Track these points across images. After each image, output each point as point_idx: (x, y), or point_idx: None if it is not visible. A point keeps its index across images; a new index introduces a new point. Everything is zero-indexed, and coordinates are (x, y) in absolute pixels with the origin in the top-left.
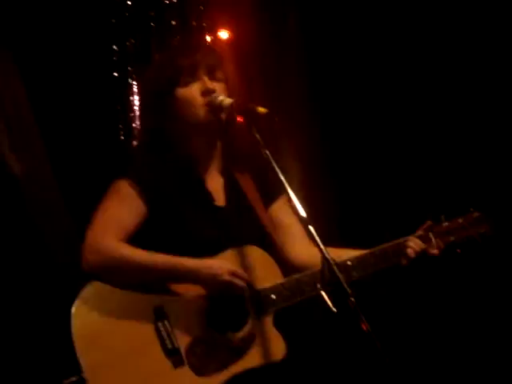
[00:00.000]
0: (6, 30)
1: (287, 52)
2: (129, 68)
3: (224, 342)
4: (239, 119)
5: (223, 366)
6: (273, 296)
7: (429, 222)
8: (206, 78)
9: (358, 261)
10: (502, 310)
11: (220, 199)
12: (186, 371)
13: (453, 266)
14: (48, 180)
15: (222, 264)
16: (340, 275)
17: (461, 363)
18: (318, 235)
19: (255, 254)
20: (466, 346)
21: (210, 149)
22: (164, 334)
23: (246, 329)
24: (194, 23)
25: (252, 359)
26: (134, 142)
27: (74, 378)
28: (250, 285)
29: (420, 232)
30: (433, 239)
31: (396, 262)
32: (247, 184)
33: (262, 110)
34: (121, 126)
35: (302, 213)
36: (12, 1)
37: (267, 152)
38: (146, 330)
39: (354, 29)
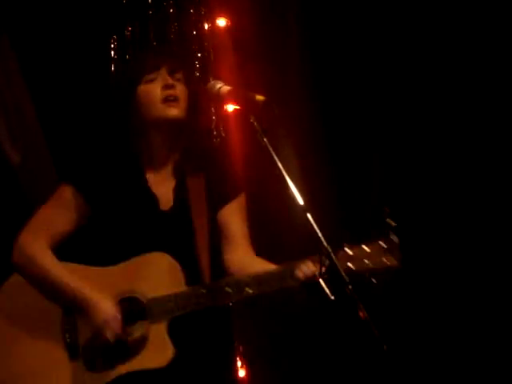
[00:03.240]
0: (5, 17)
1: (286, 39)
2: (127, 56)
3: (118, 343)
4: (237, 107)
5: (112, 364)
6: (170, 303)
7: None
8: (166, 76)
9: (254, 278)
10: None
11: (167, 203)
12: (79, 365)
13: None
14: (47, 171)
15: (107, 309)
16: (337, 263)
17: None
18: (316, 224)
19: (163, 261)
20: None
21: (166, 149)
22: (67, 327)
23: (139, 333)
24: (192, 10)
25: (138, 362)
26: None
27: None
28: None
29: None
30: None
31: (288, 284)
32: (197, 187)
33: (260, 97)
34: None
35: (300, 201)
36: None
37: (265, 140)
38: (54, 323)
39: (357, 14)
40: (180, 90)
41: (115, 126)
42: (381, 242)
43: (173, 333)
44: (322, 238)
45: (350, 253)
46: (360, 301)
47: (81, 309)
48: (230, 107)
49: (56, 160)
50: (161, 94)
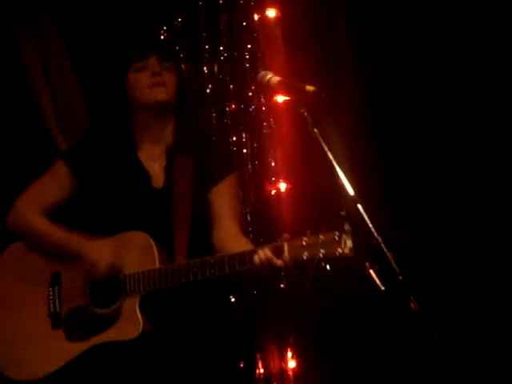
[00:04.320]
0: (58, 18)
1: (336, 29)
2: (177, 47)
3: (95, 316)
4: (286, 97)
5: (88, 335)
6: (142, 280)
7: (286, 235)
8: (155, 64)
9: (216, 260)
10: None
11: (159, 181)
12: (59, 334)
13: None
14: None
15: (102, 253)
16: (389, 254)
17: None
18: (366, 214)
19: (140, 240)
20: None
21: (158, 130)
22: (51, 298)
23: (114, 306)
24: (242, 1)
25: (110, 334)
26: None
27: None
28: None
29: (277, 242)
30: (285, 252)
31: (246, 267)
32: (185, 166)
33: (309, 87)
34: None
35: (350, 191)
36: None
37: (316, 130)
38: (40, 292)
39: (409, 9)
40: (168, 77)
41: (109, 107)
42: (335, 232)
43: (147, 308)
44: (373, 229)
45: (304, 242)
46: (411, 292)
47: (74, 251)
48: (280, 98)
49: None
50: (149, 81)
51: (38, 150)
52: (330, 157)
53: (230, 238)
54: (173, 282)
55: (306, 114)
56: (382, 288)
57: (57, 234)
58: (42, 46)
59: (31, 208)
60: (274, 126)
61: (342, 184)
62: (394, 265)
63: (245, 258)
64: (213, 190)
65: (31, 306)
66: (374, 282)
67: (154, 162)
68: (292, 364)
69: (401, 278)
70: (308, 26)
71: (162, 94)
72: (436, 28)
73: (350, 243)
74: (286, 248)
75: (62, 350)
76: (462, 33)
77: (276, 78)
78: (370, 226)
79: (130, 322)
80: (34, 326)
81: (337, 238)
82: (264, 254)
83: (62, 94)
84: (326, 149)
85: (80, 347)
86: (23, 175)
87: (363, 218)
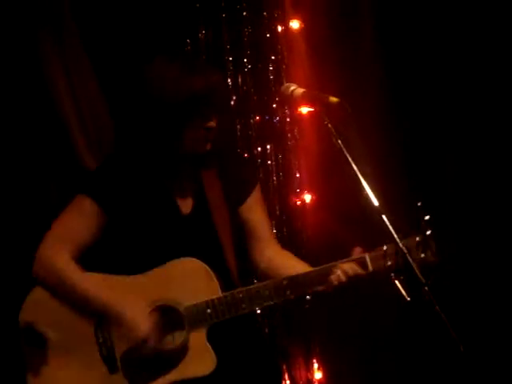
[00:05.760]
0: (83, 29)
1: (360, 41)
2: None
3: (157, 354)
4: (310, 109)
5: (154, 376)
6: (208, 310)
7: (358, 248)
8: (215, 122)
9: (292, 280)
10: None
11: (187, 207)
12: (119, 378)
13: None
14: None
15: (142, 325)
16: (414, 265)
17: None
18: (391, 225)
19: (194, 266)
20: None
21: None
22: (101, 341)
23: (178, 342)
24: (265, 13)
25: (181, 372)
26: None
27: None
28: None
29: (358, 256)
30: (368, 263)
31: (318, 289)
32: (214, 186)
33: (333, 99)
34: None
35: (375, 202)
36: None
37: (339, 141)
38: (87, 336)
39: (431, 14)
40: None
41: (138, 140)
42: (416, 237)
43: (211, 340)
44: (398, 240)
45: (385, 251)
46: (436, 301)
47: (114, 323)
48: (304, 109)
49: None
50: (203, 135)
51: (61, 162)
52: (355, 168)
53: (279, 257)
54: (244, 309)
55: (329, 125)
56: (408, 299)
57: (92, 292)
58: (66, 58)
59: (61, 254)
60: (298, 138)
61: (367, 195)
62: (419, 275)
63: (328, 273)
64: (243, 207)
65: (79, 352)
66: (400, 292)
67: (179, 187)
68: (318, 375)
69: (426, 288)
70: (331, 37)
71: (207, 146)
72: (461, 36)
73: (433, 248)
74: (368, 260)
75: None
76: (483, 39)
77: (300, 90)
78: (396, 236)
79: (203, 357)
80: (89, 374)
81: (418, 244)
82: (351, 268)
83: (87, 108)
84: (350, 160)
85: None
86: (47, 190)
87: (388, 228)
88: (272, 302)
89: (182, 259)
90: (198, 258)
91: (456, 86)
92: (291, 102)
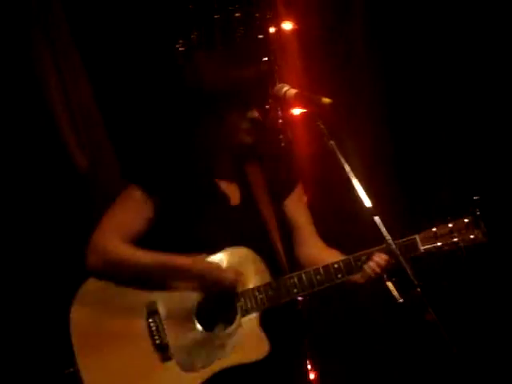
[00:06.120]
0: (74, 28)
1: (353, 42)
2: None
3: (211, 339)
4: (303, 110)
5: (208, 362)
6: (260, 296)
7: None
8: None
9: (341, 264)
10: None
11: (235, 198)
12: (172, 366)
13: None
14: (114, 176)
15: (227, 270)
16: (407, 266)
17: None
18: (384, 226)
19: (246, 254)
20: None
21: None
22: (154, 329)
23: (233, 327)
24: (258, 15)
25: (235, 357)
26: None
27: (71, 369)
28: (237, 283)
29: (408, 238)
30: (419, 244)
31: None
32: (258, 179)
33: (326, 100)
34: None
35: (367, 203)
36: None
37: (332, 143)
38: (138, 325)
39: (423, 14)
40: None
41: (183, 132)
42: (464, 218)
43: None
44: (391, 241)
45: (436, 231)
46: (429, 303)
47: (196, 275)
48: (297, 110)
49: (123, 165)
50: (245, 125)
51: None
52: (347, 169)
53: (318, 250)
54: (297, 294)
55: (322, 126)
56: (400, 300)
57: (157, 257)
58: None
59: (114, 240)
60: (290, 138)
61: (359, 196)
62: (411, 277)
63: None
64: (287, 202)
65: (131, 341)
66: (392, 294)
67: (227, 179)
68: (311, 376)
69: (419, 289)
70: (324, 39)
71: (251, 139)
72: (456, 36)
73: (483, 227)
74: (418, 240)
75: (181, 383)
76: (477, 39)
77: (292, 91)
78: (388, 237)
79: (255, 342)
80: (142, 363)
81: (468, 225)
82: (380, 257)
83: (78, 106)
84: (343, 161)
85: (201, 376)
86: (38, 188)
87: (380, 229)
88: (323, 287)
89: (234, 248)
90: (248, 248)
91: (449, 86)
92: (284, 103)
